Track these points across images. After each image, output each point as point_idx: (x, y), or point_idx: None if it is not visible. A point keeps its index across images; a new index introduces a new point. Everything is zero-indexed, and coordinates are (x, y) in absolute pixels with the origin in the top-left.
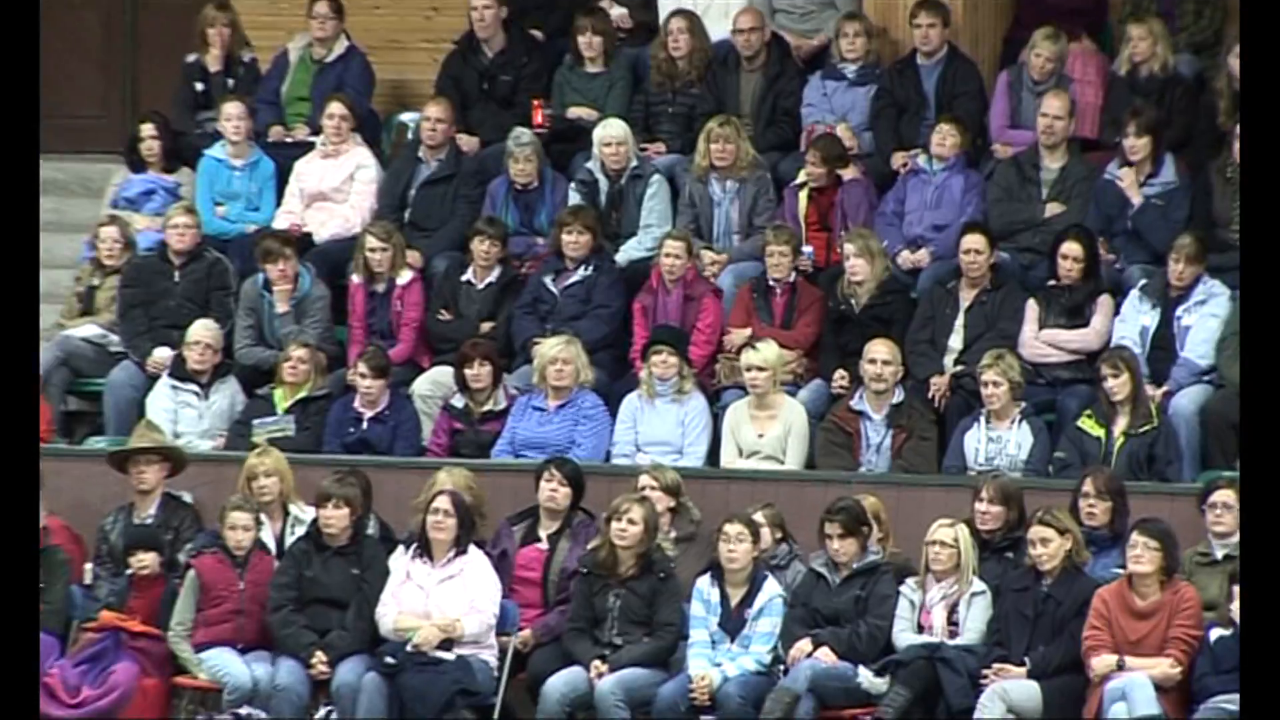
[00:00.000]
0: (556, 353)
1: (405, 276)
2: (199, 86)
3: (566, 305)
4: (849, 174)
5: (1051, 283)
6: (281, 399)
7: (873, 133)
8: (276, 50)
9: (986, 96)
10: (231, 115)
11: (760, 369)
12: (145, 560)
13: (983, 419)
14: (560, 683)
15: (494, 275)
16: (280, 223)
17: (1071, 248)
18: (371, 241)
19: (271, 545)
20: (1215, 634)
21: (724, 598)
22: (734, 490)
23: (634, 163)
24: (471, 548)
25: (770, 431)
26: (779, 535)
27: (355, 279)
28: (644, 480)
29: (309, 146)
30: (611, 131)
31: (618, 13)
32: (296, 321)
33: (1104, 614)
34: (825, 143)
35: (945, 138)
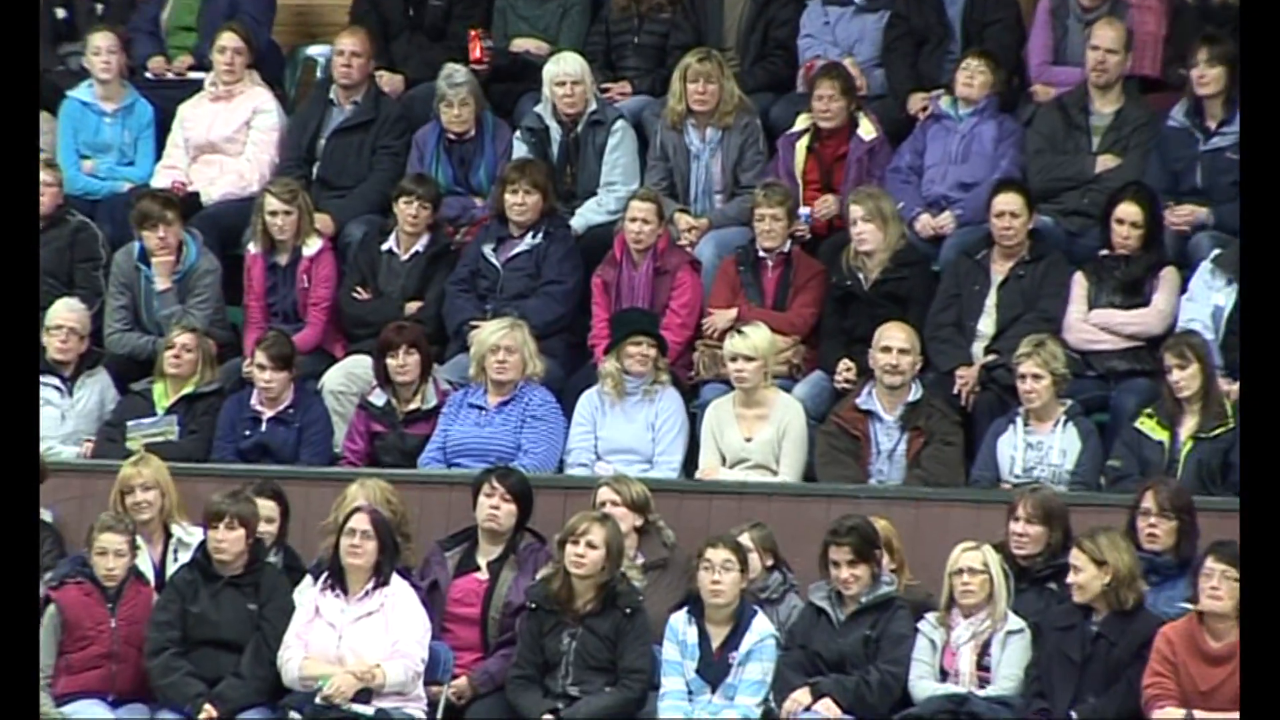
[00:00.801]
0: (499, 339)
1: (313, 246)
2: (60, 14)
3: (511, 281)
4: (868, 132)
5: (1104, 252)
6: (162, 396)
7: (885, 70)
8: None
9: (1024, 26)
10: (100, 48)
11: (748, 359)
12: None
13: (1019, 420)
14: None
15: (422, 244)
16: (161, 180)
17: (1128, 210)
18: (272, 203)
19: (150, 574)
20: None
21: (704, 638)
22: (716, 507)
23: (593, 107)
24: (395, 578)
25: (760, 435)
26: (770, 562)
27: (252, 249)
28: (604, 494)
29: (196, 87)
30: (565, 68)
31: None
32: (180, 301)
33: (1169, 657)
34: (840, 73)
35: (974, 76)
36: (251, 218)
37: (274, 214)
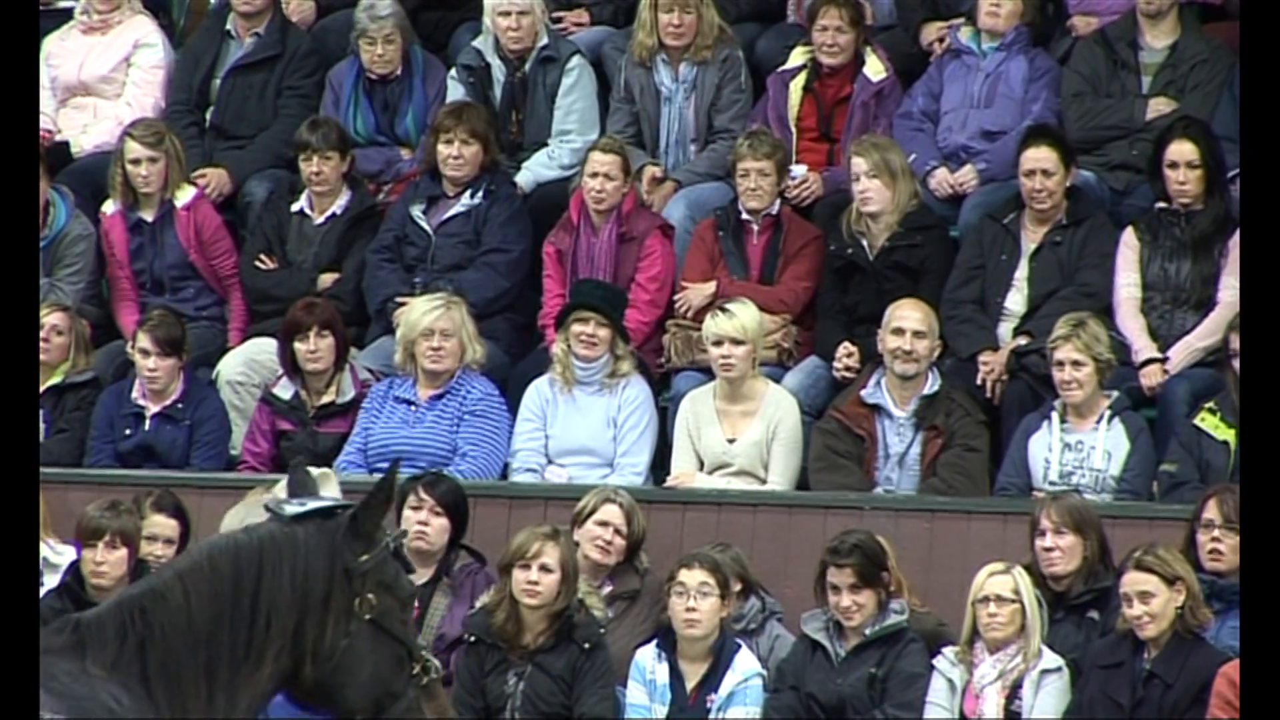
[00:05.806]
0: (431, 320)
1: (185, 196)
2: None
3: (445, 249)
4: (877, 72)
5: (1160, 205)
6: None
7: None
8: None
9: None
10: None
11: (736, 342)
12: None
13: (1055, 416)
14: None
15: (340, 205)
16: None
17: (1181, 149)
18: (134, 149)
19: None
20: None
21: (676, 677)
22: (691, 521)
23: (543, 40)
24: None
25: (746, 434)
26: (739, 586)
27: (109, 207)
28: (606, 513)
29: (64, 17)
30: None
31: None
32: (47, 274)
33: (1233, 701)
34: (847, 0)
35: (1000, 3)
36: (109, 169)
37: (136, 162)
